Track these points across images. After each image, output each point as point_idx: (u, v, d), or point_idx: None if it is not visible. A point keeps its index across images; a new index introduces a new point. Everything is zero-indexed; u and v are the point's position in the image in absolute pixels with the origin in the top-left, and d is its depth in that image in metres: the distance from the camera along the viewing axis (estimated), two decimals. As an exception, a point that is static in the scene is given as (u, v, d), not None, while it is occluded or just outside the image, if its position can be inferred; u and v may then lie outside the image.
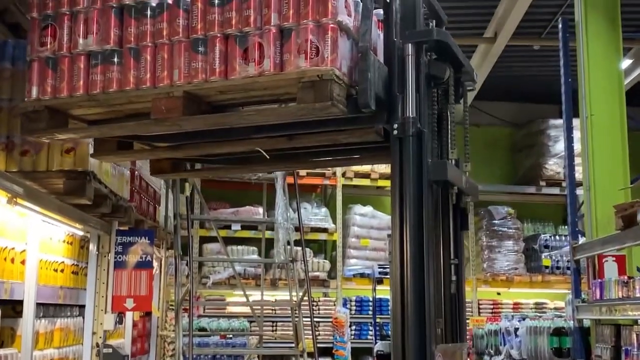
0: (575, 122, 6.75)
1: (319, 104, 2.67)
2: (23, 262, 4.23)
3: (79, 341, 5.23)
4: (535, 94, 12.05)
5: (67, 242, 5.04)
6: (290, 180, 6.98)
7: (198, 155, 3.73)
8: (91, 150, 3.99)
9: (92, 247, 5.34)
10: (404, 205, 2.78)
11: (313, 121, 2.96)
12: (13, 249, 4.06)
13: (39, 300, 4.42)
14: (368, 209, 11.30)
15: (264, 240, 7.86)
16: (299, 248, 7.92)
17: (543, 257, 11.14)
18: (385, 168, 11.10)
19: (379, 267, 9.06)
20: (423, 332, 2.68)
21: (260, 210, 10.49)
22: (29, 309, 4.29)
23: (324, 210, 11.11)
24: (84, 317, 5.29)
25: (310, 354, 5.93)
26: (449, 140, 3.16)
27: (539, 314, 9.00)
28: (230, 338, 8.48)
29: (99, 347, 5.18)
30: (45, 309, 4.69)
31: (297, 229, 6.67)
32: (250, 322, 9.49)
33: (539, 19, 9.60)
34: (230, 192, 11.09)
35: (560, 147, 11.17)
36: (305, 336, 7.05)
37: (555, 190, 11.49)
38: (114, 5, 3.11)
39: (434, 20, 3.18)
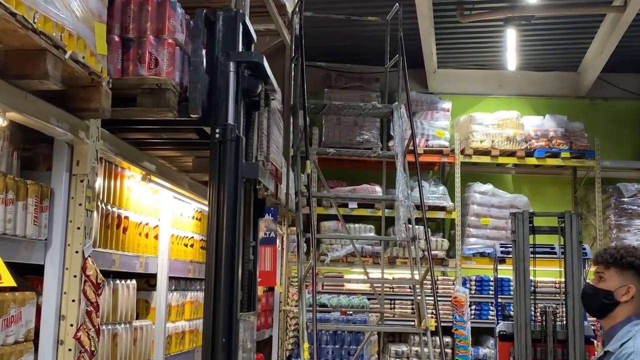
0: None
1: (157, 109, 3.04)
2: (156, 237, 4.40)
3: (208, 314, 5.39)
4: (668, 64, 11.37)
5: (196, 219, 5.20)
6: (409, 157, 6.90)
7: None
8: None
9: (219, 223, 5.47)
10: (221, 198, 3.18)
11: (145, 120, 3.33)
12: (147, 224, 4.22)
13: (170, 274, 4.59)
14: (488, 187, 11.05)
15: (383, 218, 7.81)
16: (417, 226, 7.84)
17: (677, 236, 10.57)
18: (505, 145, 10.81)
19: (501, 247, 8.84)
20: (232, 301, 3.11)
21: (377, 188, 10.48)
22: (162, 282, 4.47)
23: (441, 188, 10.96)
24: (211, 291, 5.44)
25: (432, 333, 5.86)
26: (255, 143, 3.68)
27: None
28: (351, 315, 8.54)
29: (226, 320, 5.32)
30: (177, 283, 4.87)
31: (417, 207, 6.59)
32: (369, 299, 9.52)
33: (675, -16, 9.00)
34: (346, 170, 11.13)
35: (696, 120, 10.52)
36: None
37: (691, 166, 10.86)
38: None
39: (247, 39, 3.56)
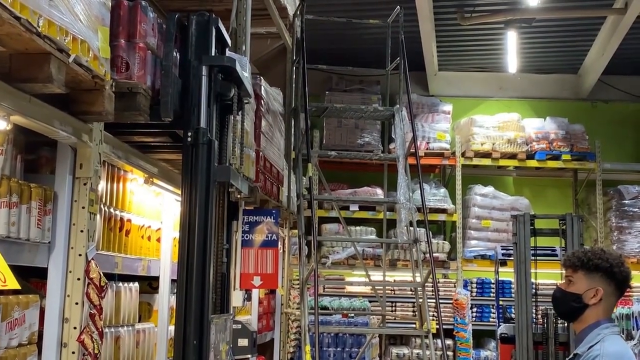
0: None
1: (128, 113, 3.03)
2: (159, 240, 4.40)
3: (210, 317, 5.40)
4: (669, 66, 11.37)
5: (198, 221, 5.19)
6: (410, 160, 6.92)
7: None
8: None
9: (220, 226, 5.47)
10: (193, 201, 3.17)
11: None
12: (150, 227, 4.23)
13: (173, 276, 4.58)
14: (489, 190, 11.06)
15: (385, 221, 7.83)
16: (419, 229, 7.85)
17: (677, 238, 10.56)
18: (506, 147, 10.82)
19: (502, 249, 8.86)
20: (203, 303, 3.11)
21: (378, 190, 10.48)
22: (164, 285, 4.47)
23: (442, 190, 10.97)
24: (213, 294, 5.44)
25: (434, 335, 5.87)
26: (227, 147, 3.66)
27: (674, 299, 8.53)
28: (352, 317, 8.54)
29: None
30: (179, 286, 4.86)
31: (418, 210, 6.60)
32: (370, 301, 9.52)
33: (675, -14, 9.01)
34: (347, 173, 11.14)
35: (697, 122, 10.52)
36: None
37: (692, 169, 10.86)
38: None
39: (221, 44, 3.55)
